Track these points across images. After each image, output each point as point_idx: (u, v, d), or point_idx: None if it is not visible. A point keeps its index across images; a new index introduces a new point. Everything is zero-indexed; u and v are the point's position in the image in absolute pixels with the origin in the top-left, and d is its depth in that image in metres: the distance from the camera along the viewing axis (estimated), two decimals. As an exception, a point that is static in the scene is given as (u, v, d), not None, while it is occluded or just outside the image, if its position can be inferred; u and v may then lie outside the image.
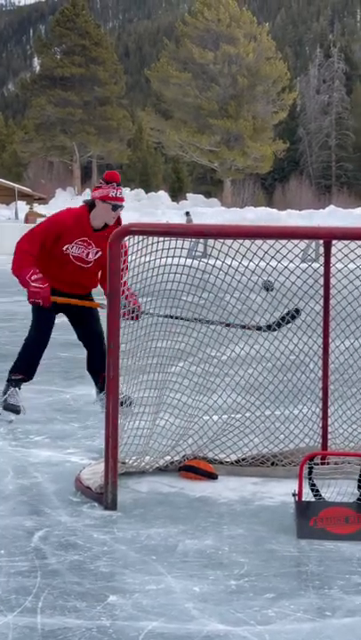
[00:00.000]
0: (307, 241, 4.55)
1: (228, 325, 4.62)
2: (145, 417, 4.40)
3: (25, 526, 3.59)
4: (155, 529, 3.57)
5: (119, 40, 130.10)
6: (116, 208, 5.11)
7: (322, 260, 4.35)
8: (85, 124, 58.70)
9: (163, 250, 4.19)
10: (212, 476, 4.29)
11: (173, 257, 4.20)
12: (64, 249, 5.15)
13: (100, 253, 5.15)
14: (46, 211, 44.37)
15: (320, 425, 4.37)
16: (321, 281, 4.36)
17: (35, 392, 5.96)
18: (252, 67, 54.84)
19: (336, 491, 3.89)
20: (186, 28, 56.50)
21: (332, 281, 4.36)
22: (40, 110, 58.85)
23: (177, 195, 54.68)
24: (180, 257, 4.24)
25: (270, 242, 4.22)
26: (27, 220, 36.30)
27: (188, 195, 52.72)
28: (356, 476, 3.98)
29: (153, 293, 4.39)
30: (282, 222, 34.15)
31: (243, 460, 4.44)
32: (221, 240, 4.24)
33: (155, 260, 4.22)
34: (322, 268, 4.35)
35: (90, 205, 5.19)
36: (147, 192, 49.74)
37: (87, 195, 50.68)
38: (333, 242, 4.31)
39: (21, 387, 5.40)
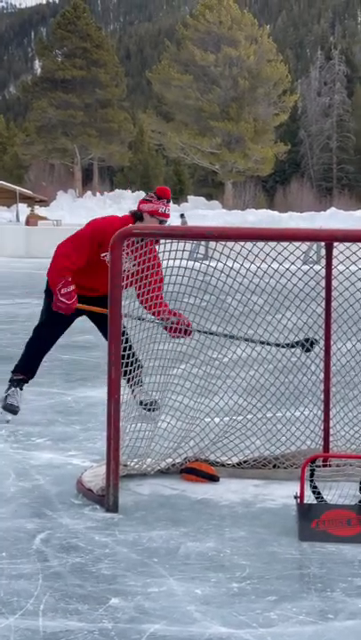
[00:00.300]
0: (308, 243, 4.55)
1: (263, 343, 4.60)
2: (146, 419, 4.40)
3: (26, 529, 3.58)
4: (156, 531, 3.57)
5: (120, 42, 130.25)
6: (162, 224, 5.14)
7: (323, 262, 4.35)
8: (86, 127, 58.81)
9: (164, 252, 4.20)
10: (213, 479, 4.29)
11: (175, 259, 4.20)
12: (102, 255, 5.11)
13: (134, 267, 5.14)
14: (47, 213, 44.49)
15: (322, 427, 4.37)
16: (323, 283, 4.36)
17: (36, 394, 5.96)
18: (254, 69, 54.93)
19: (338, 493, 3.89)
20: (187, 30, 56.61)
21: (334, 283, 4.36)
22: (41, 113, 58.96)
23: (178, 197, 54.70)
24: (181, 259, 4.24)
25: (272, 244, 4.22)
26: (28, 223, 36.31)
27: (189, 197, 52.79)
28: (358, 479, 3.97)
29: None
30: (283, 224, 34.19)
31: (244, 462, 4.43)
32: (223, 242, 4.24)
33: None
34: (323, 270, 4.35)
35: (135, 216, 5.17)
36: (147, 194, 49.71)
37: (88, 197, 50.82)
38: (335, 244, 4.31)
39: (23, 388, 5.40)
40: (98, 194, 52.91)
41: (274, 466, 4.42)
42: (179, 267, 4.29)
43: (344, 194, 64.19)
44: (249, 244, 4.26)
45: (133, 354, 4.28)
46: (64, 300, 5.04)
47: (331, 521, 3.54)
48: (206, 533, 3.56)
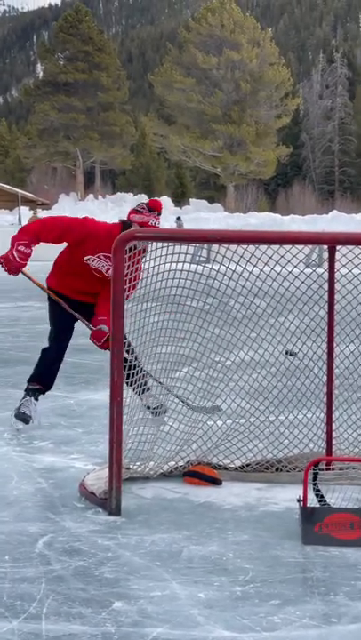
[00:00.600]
0: (310, 246, 4.55)
1: None
2: (149, 422, 4.40)
3: (29, 532, 3.58)
4: (159, 535, 3.57)
5: (122, 46, 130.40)
6: None
7: (326, 265, 4.35)
8: (88, 130, 58.84)
9: (167, 255, 4.20)
10: (216, 482, 4.28)
11: (178, 262, 4.20)
12: (85, 259, 5.11)
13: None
14: (49, 216, 44.52)
15: (325, 430, 4.37)
16: (325, 286, 4.36)
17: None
18: (256, 72, 54.95)
19: (341, 496, 3.88)
20: (189, 33, 56.64)
21: (337, 286, 4.35)
22: (43, 116, 59.00)
23: (180, 200, 54.72)
24: (183, 262, 4.24)
25: (274, 247, 4.21)
26: (30, 226, 36.28)
27: (191, 200, 52.77)
28: (361, 482, 3.97)
29: (157, 299, 4.39)
30: (285, 227, 34.15)
31: (247, 465, 4.43)
32: (225, 245, 4.24)
33: (159, 265, 4.22)
34: (326, 273, 4.35)
35: (124, 225, 5.17)
36: (150, 197, 49.73)
37: (90, 200, 50.83)
38: (338, 247, 4.31)
39: (39, 398, 5.36)
40: (100, 197, 52.92)
41: (277, 469, 4.41)
42: (181, 270, 4.29)
43: (346, 197, 64.16)
44: (251, 247, 4.26)
45: (136, 357, 4.28)
46: (17, 255, 4.99)
47: (334, 524, 3.53)
48: (209, 537, 3.55)
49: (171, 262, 4.23)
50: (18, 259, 5.00)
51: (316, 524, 3.53)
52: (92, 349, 6.42)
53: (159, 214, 5.20)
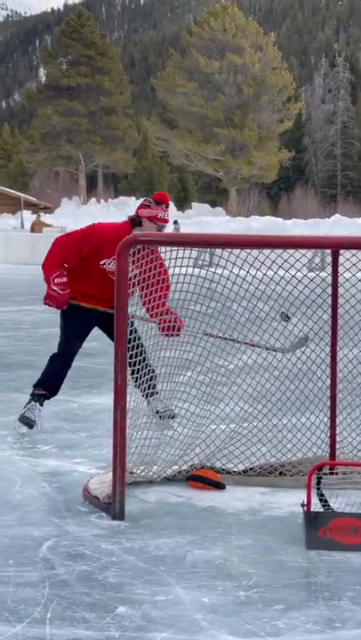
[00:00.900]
0: (313, 250, 4.55)
1: (237, 342, 4.60)
2: (153, 426, 4.39)
3: (33, 536, 3.58)
4: (163, 539, 3.56)
5: (125, 50, 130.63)
6: (161, 229, 5.13)
7: (330, 269, 4.35)
8: (91, 134, 58.93)
9: (170, 259, 4.20)
10: (219, 486, 4.27)
11: (181, 266, 4.20)
12: (101, 263, 5.10)
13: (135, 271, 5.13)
14: (52, 220, 44.54)
15: (328, 434, 4.36)
16: (329, 290, 4.36)
17: (42, 401, 5.95)
18: (258, 76, 55.02)
19: (345, 501, 3.87)
20: (191, 37, 56.73)
21: (340, 290, 4.35)
22: (46, 120, 59.11)
23: (182, 204, 54.77)
24: (186, 266, 4.24)
25: (277, 251, 4.21)
26: (32, 230, 36.37)
27: (193, 204, 52.83)
28: (364, 486, 3.96)
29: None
30: (287, 231, 34.18)
31: (250, 469, 4.42)
32: (228, 249, 4.24)
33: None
34: (329, 277, 4.34)
35: (133, 222, 5.17)
36: (152, 201, 49.71)
37: (93, 204, 50.88)
38: (341, 251, 4.31)
39: (44, 404, 5.35)
40: (102, 201, 53.01)
41: (280, 473, 4.40)
42: (185, 274, 4.29)
43: (348, 201, 64.21)
44: (255, 251, 4.26)
45: (145, 359, 4.28)
46: (57, 289, 5.03)
47: (338, 529, 3.52)
48: (213, 541, 3.55)
49: (174, 266, 4.23)
50: (60, 291, 5.06)
51: (320, 528, 3.52)
52: (95, 353, 6.41)
53: (167, 207, 5.19)
